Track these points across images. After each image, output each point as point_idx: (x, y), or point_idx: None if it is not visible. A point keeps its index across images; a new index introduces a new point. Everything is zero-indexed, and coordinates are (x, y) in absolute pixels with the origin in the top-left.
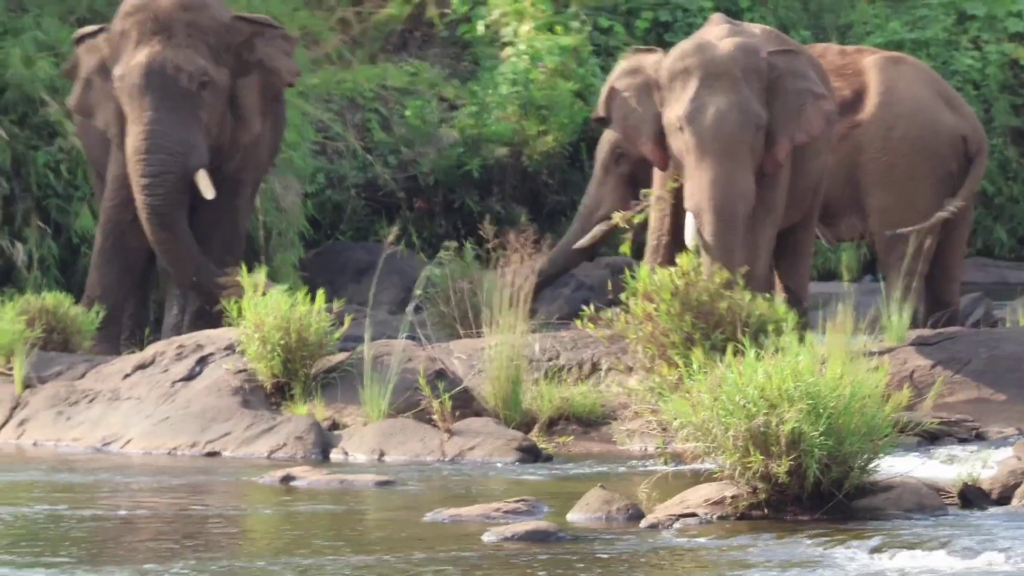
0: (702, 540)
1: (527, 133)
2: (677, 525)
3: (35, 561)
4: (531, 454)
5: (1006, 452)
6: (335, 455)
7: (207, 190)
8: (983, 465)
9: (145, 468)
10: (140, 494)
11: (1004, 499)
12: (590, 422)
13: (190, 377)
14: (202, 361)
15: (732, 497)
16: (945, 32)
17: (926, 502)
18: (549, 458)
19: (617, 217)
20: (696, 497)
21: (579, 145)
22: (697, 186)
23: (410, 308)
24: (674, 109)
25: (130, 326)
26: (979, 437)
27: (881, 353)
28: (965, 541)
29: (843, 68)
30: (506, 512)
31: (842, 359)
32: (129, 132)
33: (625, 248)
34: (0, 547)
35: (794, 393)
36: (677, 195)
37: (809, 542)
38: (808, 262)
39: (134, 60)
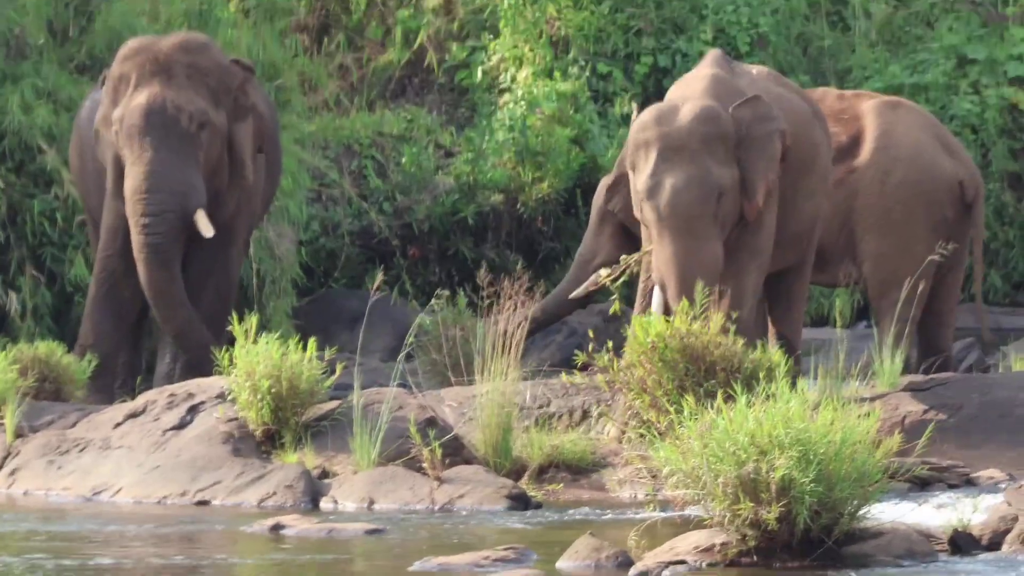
0: None
1: (523, 180)
2: (666, 572)
3: None
4: (521, 502)
5: (997, 498)
6: (325, 503)
7: (206, 229)
8: (973, 511)
9: (135, 517)
10: (130, 543)
11: (994, 545)
12: (580, 469)
13: (181, 426)
14: (193, 410)
15: (721, 544)
16: (945, 76)
17: (916, 548)
18: (539, 505)
19: (603, 276)
20: (686, 544)
21: (575, 191)
22: (659, 259)
23: (401, 356)
24: (636, 181)
25: (123, 375)
26: (970, 483)
27: (873, 399)
28: None
29: (841, 112)
30: (495, 560)
31: (833, 405)
32: (128, 173)
33: (615, 308)
34: None
35: (784, 439)
36: None
37: None
38: (802, 309)
39: (134, 102)
